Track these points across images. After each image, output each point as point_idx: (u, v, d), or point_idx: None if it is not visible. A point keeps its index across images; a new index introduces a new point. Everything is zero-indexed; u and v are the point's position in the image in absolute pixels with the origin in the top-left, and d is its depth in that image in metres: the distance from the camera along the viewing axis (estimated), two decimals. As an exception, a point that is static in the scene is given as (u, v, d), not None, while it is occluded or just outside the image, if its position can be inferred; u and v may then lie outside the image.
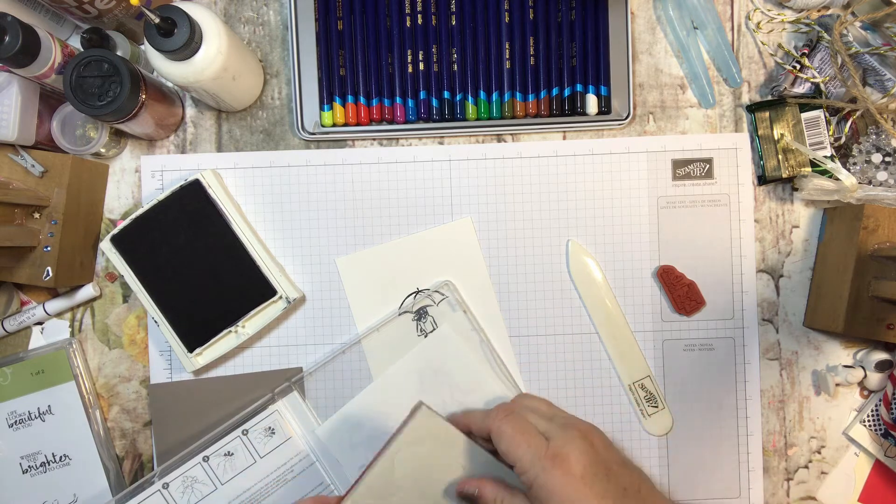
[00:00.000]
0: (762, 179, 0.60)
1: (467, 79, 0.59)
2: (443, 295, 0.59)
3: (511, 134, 0.61)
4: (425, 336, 0.58)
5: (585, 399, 0.60)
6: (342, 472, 0.57)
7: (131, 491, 0.55)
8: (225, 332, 0.57)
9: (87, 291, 0.59)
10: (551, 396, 0.60)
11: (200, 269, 0.56)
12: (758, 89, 0.61)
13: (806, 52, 0.59)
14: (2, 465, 0.58)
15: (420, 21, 0.59)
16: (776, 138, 0.59)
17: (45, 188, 0.55)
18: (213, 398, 0.59)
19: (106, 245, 0.56)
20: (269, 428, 0.57)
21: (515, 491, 0.44)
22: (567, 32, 0.59)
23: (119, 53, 0.56)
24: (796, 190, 0.60)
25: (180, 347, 0.56)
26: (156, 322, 0.56)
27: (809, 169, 0.59)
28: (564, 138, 0.61)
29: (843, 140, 0.60)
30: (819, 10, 0.60)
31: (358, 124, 0.59)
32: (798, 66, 0.58)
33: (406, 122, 0.59)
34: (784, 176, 0.59)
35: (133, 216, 0.56)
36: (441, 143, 0.60)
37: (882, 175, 0.58)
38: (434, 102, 0.59)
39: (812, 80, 0.58)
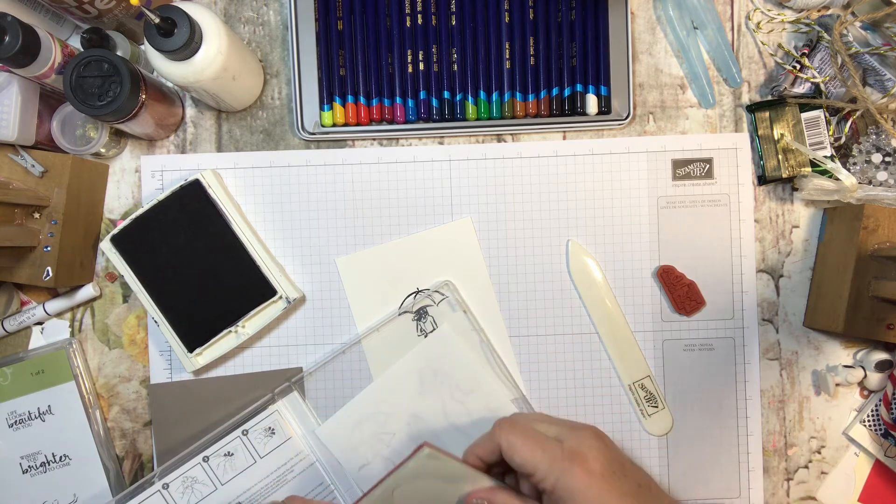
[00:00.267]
0: (762, 179, 0.60)
1: (467, 79, 0.59)
2: (443, 295, 0.59)
3: (511, 134, 0.61)
4: (425, 336, 0.58)
5: (585, 399, 0.60)
6: (342, 473, 0.57)
7: (131, 491, 0.55)
8: (225, 332, 0.57)
9: (87, 291, 0.59)
10: (551, 396, 0.60)
11: (200, 269, 0.56)
12: (758, 89, 0.61)
13: (806, 52, 0.58)
14: (2, 465, 0.58)
15: (420, 21, 0.59)
16: (776, 138, 0.59)
17: (45, 188, 0.55)
18: (213, 398, 0.59)
19: (106, 245, 0.56)
20: (269, 428, 0.57)
21: (527, 498, 0.44)
22: (567, 32, 0.59)
23: (119, 53, 0.56)
24: (796, 190, 0.60)
25: (180, 347, 0.56)
26: (156, 322, 0.56)
27: (809, 169, 0.59)
28: (564, 138, 0.61)
29: (843, 140, 0.60)
30: (819, 10, 0.60)
31: (358, 124, 0.59)
32: (798, 66, 0.58)
33: (406, 122, 0.59)
34: (784, 176, 0.59)
35: (133, 216, 0.56)
36: (441, 143, 0.60)
37: (882, 175, 0.58)
38: (434, 102, 0.59)
39: (812, 80, 0.58)
